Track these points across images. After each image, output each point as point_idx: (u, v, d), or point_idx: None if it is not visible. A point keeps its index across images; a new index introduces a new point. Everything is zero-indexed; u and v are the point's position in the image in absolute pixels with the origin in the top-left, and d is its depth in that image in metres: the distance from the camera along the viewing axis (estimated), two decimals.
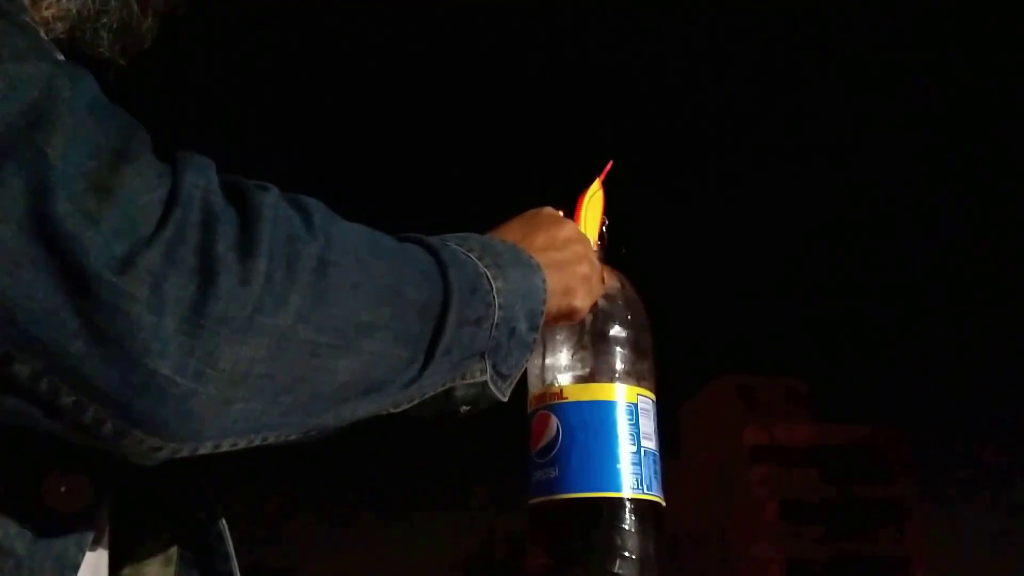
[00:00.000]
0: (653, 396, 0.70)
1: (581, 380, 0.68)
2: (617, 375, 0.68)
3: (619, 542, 0.64)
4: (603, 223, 0.73)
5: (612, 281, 0.71)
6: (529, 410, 0.69)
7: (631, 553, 0.64)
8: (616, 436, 0.66)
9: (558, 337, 0.69)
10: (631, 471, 0.65)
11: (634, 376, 0.69)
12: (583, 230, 0.71)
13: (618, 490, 0.64)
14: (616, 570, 0.63)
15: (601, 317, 0.69)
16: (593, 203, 0.72)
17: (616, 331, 0.70)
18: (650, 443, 0.67)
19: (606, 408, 0.66)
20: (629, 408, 0.67)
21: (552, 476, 0.65)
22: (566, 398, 0.67)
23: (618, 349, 0.69)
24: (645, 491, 0.65)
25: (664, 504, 0.67)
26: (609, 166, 0.74)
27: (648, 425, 0.68)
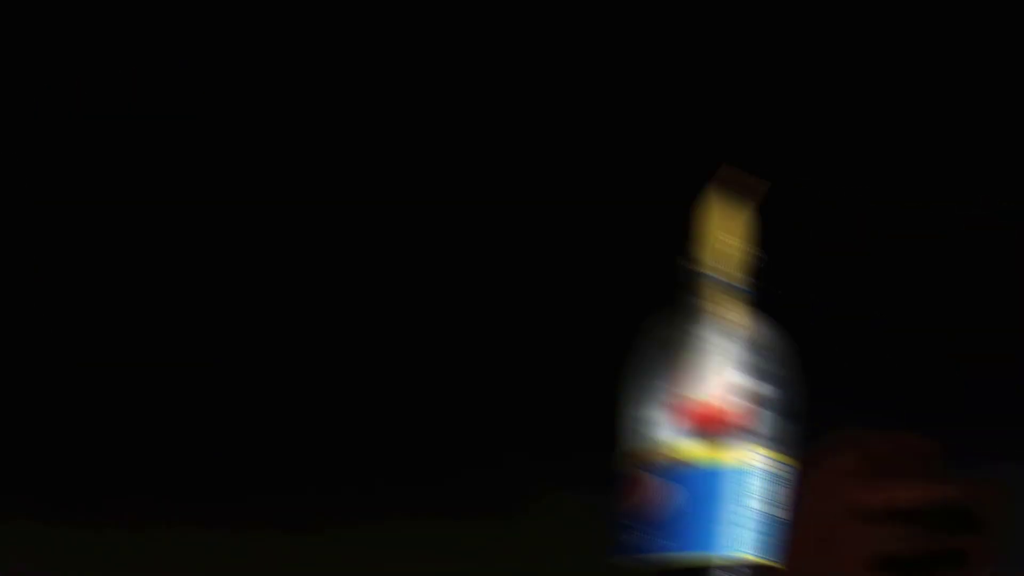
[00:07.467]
0: (789, 462, 0.62)
1: (710, 443, 0.61)
2: (756, 439, 0.61)
3: None
4: (757, 255, 0.61)
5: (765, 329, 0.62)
6: (640, 467, 0.61)
7: None
8: (737, 501, 0.60)
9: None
10: (749, 535, 0.59)
11: (773, 441, 0.62)
12: (707, 256, 0.60)
13: (733, 554, 0.59)
14: None
15: (750, 372, 0.62)
16: (726, 219, 0.60)
17: (764, 390, 0.62)
18: (775, 509, 0.60)
19: (734, 474, 0.60)
20: (758, 474, 0.60)
21: (668, 540, 0.59)
22: (690, 461, 0.60)
23: (763, 410, 0.62)
24: (760, 556, 0.59)
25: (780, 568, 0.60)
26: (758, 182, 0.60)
27: (776, 492, 0.61)
